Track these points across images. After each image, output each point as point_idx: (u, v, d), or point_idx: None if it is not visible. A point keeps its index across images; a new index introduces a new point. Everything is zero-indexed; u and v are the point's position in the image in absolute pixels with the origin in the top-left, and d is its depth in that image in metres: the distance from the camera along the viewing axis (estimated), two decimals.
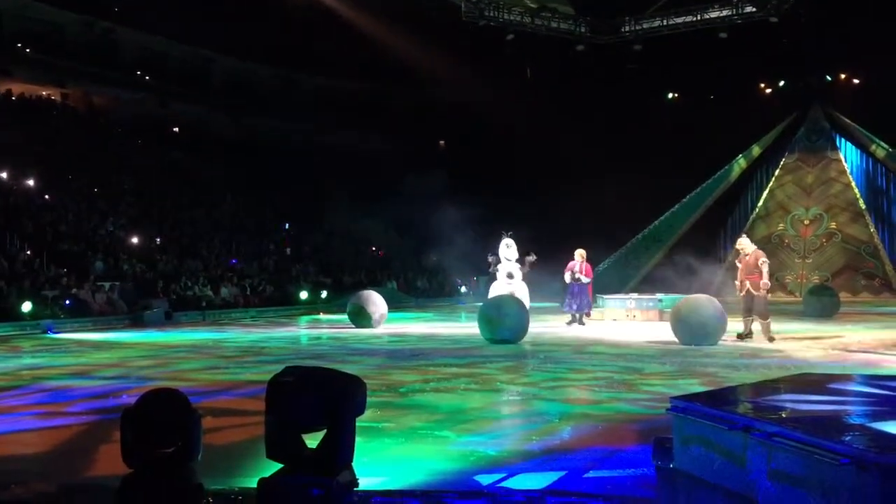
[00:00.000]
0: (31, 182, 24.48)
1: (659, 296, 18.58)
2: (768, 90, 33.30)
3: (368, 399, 3.57)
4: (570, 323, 16.50)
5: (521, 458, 5.24)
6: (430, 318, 20.01)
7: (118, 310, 18.78)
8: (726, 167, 32.80)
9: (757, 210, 32.66)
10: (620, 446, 5.61)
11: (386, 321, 16.75)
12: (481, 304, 14.93)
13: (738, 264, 13.10)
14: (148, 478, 3.22)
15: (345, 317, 17.09)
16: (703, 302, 12.29)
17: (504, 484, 4.67)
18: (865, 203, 31.17)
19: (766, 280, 12.60)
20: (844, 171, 31.92)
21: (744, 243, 13.22)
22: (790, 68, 31.52)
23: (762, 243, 27.50)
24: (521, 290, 16.66)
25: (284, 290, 23.83)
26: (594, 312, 17.63)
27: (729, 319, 12.42)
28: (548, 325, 16.26)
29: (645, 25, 30.98)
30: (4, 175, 24.18)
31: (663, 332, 13.28)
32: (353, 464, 3.37)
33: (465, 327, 15.86)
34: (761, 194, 32.93)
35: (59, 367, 10.50)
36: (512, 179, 31.54)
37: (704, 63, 30.41)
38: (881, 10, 25.88)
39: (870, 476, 2.49)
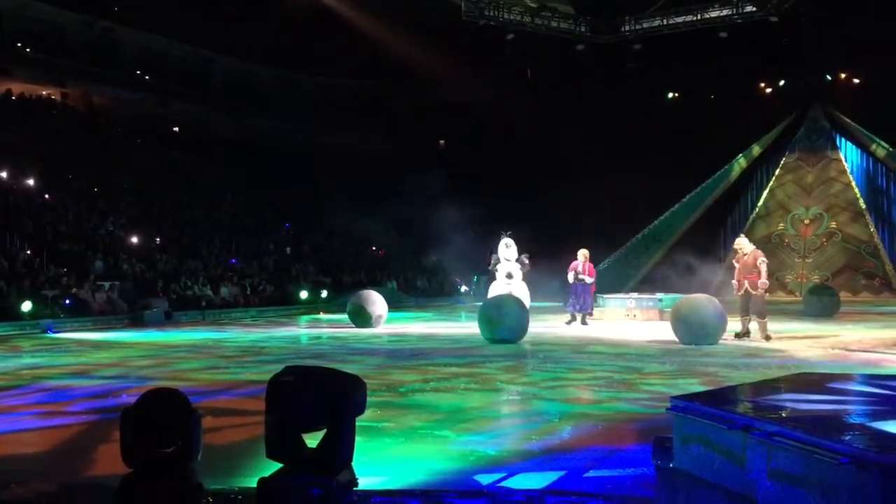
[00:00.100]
0: (30, 182, 24.48)
1: (659, 295, 18.58)
2: (768, 90, 33.30)
3: (368, 399, 3.57)
4: (569, 322, 16.50)
5: (521, 458, 5.24)
6: (430, 318, 20.00)
7: (118, 309, 18.77)
8: (726, 167, 32.80)
9: (757, 210, 32.66)
10: (620, 446, 5.61)
11: (386, 321, 16.74)
12: (481, 303, 14.94)
13: (736, 264, 13.15)
14: (148, 477, 3.22)
15: (345, 316, 17.09)
16: (702, 301, 12.30)
17: (504, 483, 4.67)
18: (865, 202, 31.17)
19: (764, 280, 12.64)
20: (844, 171, 31.92)
21: (742, 243, 13.28)
22: (790, 68, 31.51)
23: (762, 243, 27.55)
24: (521, 290, 16.66)
25: (284, 289, 23.84)
26: (594, 312, 17.62)
27: (729, 319, 12.43)
28: (547, 325, 16.25)
29: (645, 25, 30.97)
30: (4, 175, 24.18)
31: (663, 332, 13.28)
32: (353, 463, 3.37)
33: (465, 327, 15.86)
34: (761, 194, 32.93)
35: (58, 367, 10.50)
36: (512, 179, 31.53)
37: (704, 63, 30.40)
38: (881, 10, 25.86)
39: (869, 475, 2.49)
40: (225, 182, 30.90)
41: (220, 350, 12.44)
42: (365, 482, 3.74)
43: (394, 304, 20.41)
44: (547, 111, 30.57)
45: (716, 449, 3.21)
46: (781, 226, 31.90)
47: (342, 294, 22.31)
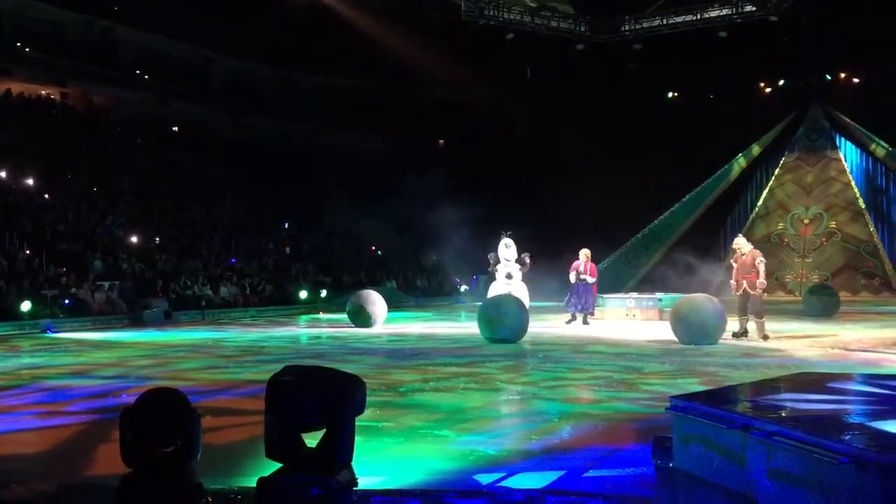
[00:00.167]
0: (30, 181, 24.48)
1: (659, 295, 18.58)
2: (768, 89, 33.30)
3: (368, 398, 3.57)
4: (569, 321, 16.48)
5: (521, 458, 5.24)
6: (430, 318, 20.00)
7: (117, 309, 18.77)
8: (726, 166, 32.81)
9: (757, 209, 32.66)
10: (620, 445, 5.61)
11: (385, 321, 16.74)
12: (480, 303, 14.93)
13: (734, 264, 13.21)
14: (147, 477, 3.22)
15: (344, 316, 17.08)
16: (702, 301, 12.30)
17: (504, 483, 4.66)
18: (865, 202, 31.18)
19: (762, 279, 12.74)
20: (844, 171, 31.92)
21: (740, 243, 13.38)
22: (790, 67, 31.51)
23: (762, 242, 27.60)
24: (521, 290, 16.65)
25: (284, 289, 23.83)
26: (595, 312, 17.60)
27: (729, 319, 12.45)
28: (547, 325, 16.25)
29: (645, 24, 30.97)
30: (4, 174, 24.17)
31: (663, 332, 13.28)
32: (353, 463, 3.37)
33: (465, 327, 15.86)
34: (761, 193, 32.93)
35: (58, 367, 10.50)
36: (512, 179, 31.53)
37: (704, 62, 30.40)
38: (881, 9, 25.87)
39: (869, 475, 2.49)
40: (225, 182, 30.90)
41: (220, 350, 12.44)
42: (365, 482, 3.74)
43: (393, 304, 20.41)
44: (547, 111, 30.56)
45: (715, 448, 3.21)
46: (781, 225, 31.90)
47: (342, 294, 22.31)
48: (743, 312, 12.84)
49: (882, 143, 30.66)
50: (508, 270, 17.25)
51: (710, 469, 3.23)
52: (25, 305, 16.69)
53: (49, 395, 8.20)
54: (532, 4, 30.53)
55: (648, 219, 31.79)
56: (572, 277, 16.45)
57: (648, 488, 4.25)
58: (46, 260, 19.73)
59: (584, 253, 16.69)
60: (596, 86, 32.14)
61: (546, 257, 20.02)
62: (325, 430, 3.30)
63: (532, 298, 17.33)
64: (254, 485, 3.34)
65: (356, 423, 3.37)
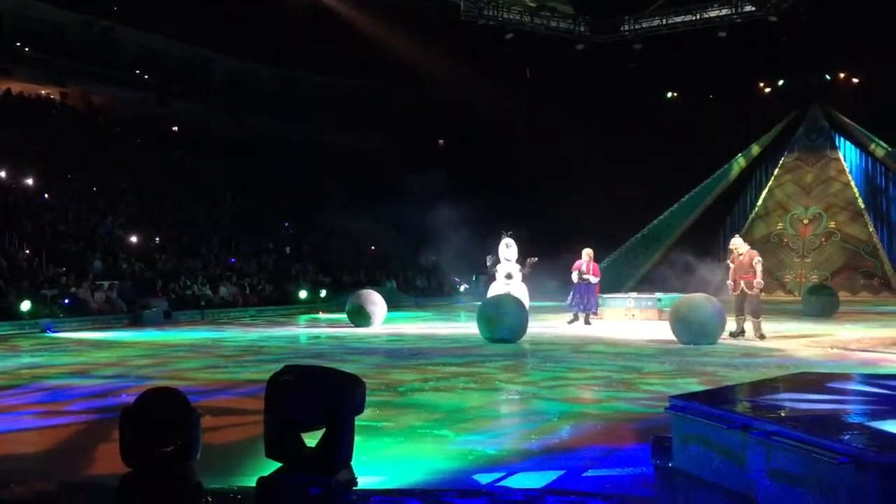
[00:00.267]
0: (30, 181, 24.48)
1: (658, 295, 18.58)
2: (768, 89, 33.31)
3: (367, 398, 3.57)
4: (571, 321, 16.44)
5: (520, 457, 5.24)
6: (429, 318, 20.00)
7: (117, 309, 18.76)
8: (725, 166, 32.82)
9: (756, 209, 32.67)
10: (619, 445, 5.61)
11: (385, 320, 16.74)
12: (480, 303, 14.93)
13: (731, 264, 13.26)
14: (147, 477, 3.22)
15: (344, 316, 17.08)
16: (702, 301, 12.31)
17: (503, 483, 4.67)
18: (864, 202, 31.19)
19: (759, 279, 12.81)
20: (843, 171, 31.93)
21: (737, 243, 13.46)
22: (789, 67, 31.52)
23: (761, 242, 27.62)
24: (520, 290, 16.65)
25: (283, 289, 23.83)
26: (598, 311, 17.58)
27: (728, 319, 12.46)
28: (547, 325, 16.24)
29: (644, 24, 30.97)
30: (4, 174, 24.18)
31: (662, 332, 13.29)
32: (353, 463, 3.37)
33: (464, 327, 15.85)
34: (760, 193, 32.95)
35: (58, 366, 10.50)
36: (512, 179, 31.54)
37: (704, 62, 30.41)
38: (881, 9, 25.87)
39: (868, 475, 2.49)
40: (225, 182, 30.90)
41: (220, 349, 12.44)
42: (364, 481, 3.74)
43: (393, 304, 20.40)
44: (547, 111, 30.57)
45: (715, 448, 3.21)
46: (780, 225, 31.90)
47: (341, 294, 22.31)
48: (740, 312, 12.93)
49: (881, 143, 30.67)
50: (508, 270, 17.24)
51: (710, 469, 3.23)
52: (25, 305, 16.69)
53: (49, 395, 8.20)
54: (531, 4, 30.53)
55: (648, 219, 31.80)
56: (574, 277, 16.38)
57: (648, 488, 4.25)
58: (46, 260, 19.72)
59: (587, 252, 16.66)
60: (596, 86, 32.14)
61: (546, 257, 20.02)
62: (324, 429, 3.30)
63: (532, 298, 17.33)
64: (253, 484, 3.34)
65: (356, 423, 3.38)
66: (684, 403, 3.53)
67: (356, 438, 3.38)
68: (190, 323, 18.37)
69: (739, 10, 28.97)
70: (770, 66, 31.40)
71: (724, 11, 29.30)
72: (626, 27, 31.19)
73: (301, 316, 20.69)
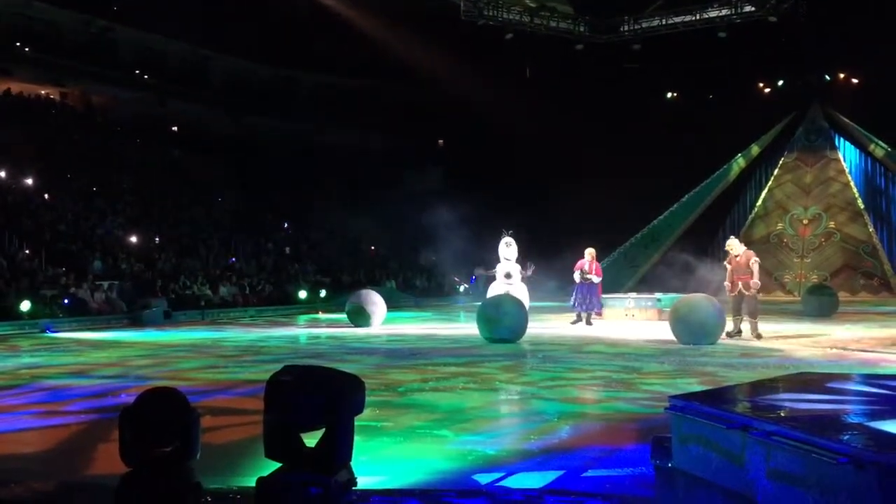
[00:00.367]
0: (29, 181, 24.48)
1: (658, 295, 18.56)
2: (767, 89, 33.29)
3: (367, 398, 3.57)
4: (574, 322, 16.36)
5: (520, 458, 5.24)
6: (429, 318, 19.99)
7: (117, 309, 18.76)
8: (725, 166, 32.83)
9: (756, 209, 32.67)
10: (619, 445, 5.61)
11: (385, 320, 16.73)
12: (480, 303, 14.93)
13: (728, 265, 13.29)
14: (146, 477, 3.22)
15: (343, 316, 17.08)
16: (701, 301, 12.31)
17: (503, 483, 4.67)
18: (864, 202, 31.19)
19: (756, 280, 12.88)
20: (843, 171, 31.94)
21: (733, 244, 13.55)
22: (789, 67, 31.53)
23: (761, 243, 27.62)
24: (520, 290, 16.63)
25: (283, 289, 23.82)
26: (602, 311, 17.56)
27: (728, 319, 12.48)
28: (547, 325, 16.24)
29: (644, 25, 30.94)
30: (3, 174, 24.17)
31: (662, 332, 13.29)
32: (352, 463, 3.37)
33: (464, 327, 15.85)
34: (760, 194, 32.94)
35: (57, 367, 10.50)
36: (512, 179, 31.53)
37: (704, 62, 30.41)
38: (880, 9, 25.88)
39: (868, 475, 2.49)
40: (225, 182, 30.90)
41: (219, 349, 12.44)
42: (364, 482, 3.74)
43: (392, 304, 20.39)
44: (546, 111, 30.56)
45: (714, 448, 3.21)
46: (780, 226, 31.90)
47: (341, 294, 22.30)
48: (737, 312, 13.00)
49: (881, 143, 30.68)
50: (508, 270, 17.23)
51: (709, 469, 3.23)
52: (25, 305, 16.68)
53: (48, 395, 8.20)
54: (531, 4, 30.51)
55: (648, 219, 31.80)
56: (577, 277, 16.34)
57: (647, 488, 4.25)
58: (46, 260, 19.72)
59: (589, 252, 16.64)
60: (596, 86, 32.12)
61: (546, 257, 20.02)
62: (324, 429, 3.30)
63: (532, 298, 17.32)
64: (253, 484, 3.34)
65: (355, 423, 3.38)
66: (684, 403, 3.53)
67: (356, 438, 3.38)
68: (190, 323, 18.36)
69: (739, 10, 28.94)
70: (770, 66, 31.40)
71: (723, 12, 29.27)
72: (626, 27, 31.16)
73: (301, 316, 20.68)
